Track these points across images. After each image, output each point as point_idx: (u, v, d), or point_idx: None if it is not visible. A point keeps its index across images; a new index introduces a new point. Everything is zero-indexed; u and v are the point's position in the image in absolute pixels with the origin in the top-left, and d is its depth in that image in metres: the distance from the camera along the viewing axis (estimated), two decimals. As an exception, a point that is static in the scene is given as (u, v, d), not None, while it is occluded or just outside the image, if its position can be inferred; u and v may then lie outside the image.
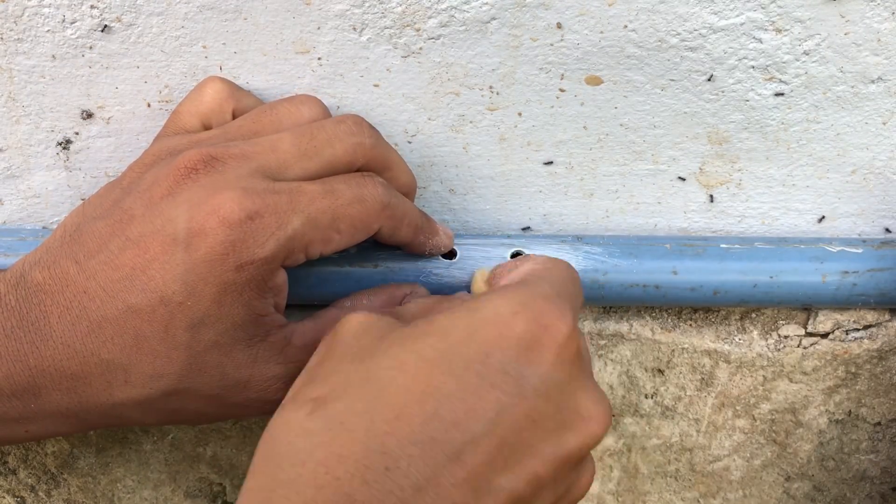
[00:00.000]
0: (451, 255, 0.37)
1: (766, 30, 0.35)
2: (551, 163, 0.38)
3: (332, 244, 0.31)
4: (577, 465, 0.27)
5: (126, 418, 0.32)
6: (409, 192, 0.35)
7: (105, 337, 0.29)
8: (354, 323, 0.28)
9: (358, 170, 0.33)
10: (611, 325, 0.41)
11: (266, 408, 0.31)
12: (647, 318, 0.42)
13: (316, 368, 0.28)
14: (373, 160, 0.33)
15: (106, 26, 0.34)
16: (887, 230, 0.41)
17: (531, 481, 0.25)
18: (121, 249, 0.29)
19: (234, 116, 0.34)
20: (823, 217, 0.40)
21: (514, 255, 0.38)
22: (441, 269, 0.37)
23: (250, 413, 0.32)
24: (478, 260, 0.37)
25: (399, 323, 0.29)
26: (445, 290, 0.37)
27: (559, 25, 0.35)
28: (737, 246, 0.39)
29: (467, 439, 0.24)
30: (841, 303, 0.40)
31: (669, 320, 0.42)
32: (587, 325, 0.41)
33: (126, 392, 0.30)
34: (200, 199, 0.29)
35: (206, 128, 0.34)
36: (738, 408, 0.43)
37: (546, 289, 0.28)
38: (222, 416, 0.34)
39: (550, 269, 0.31)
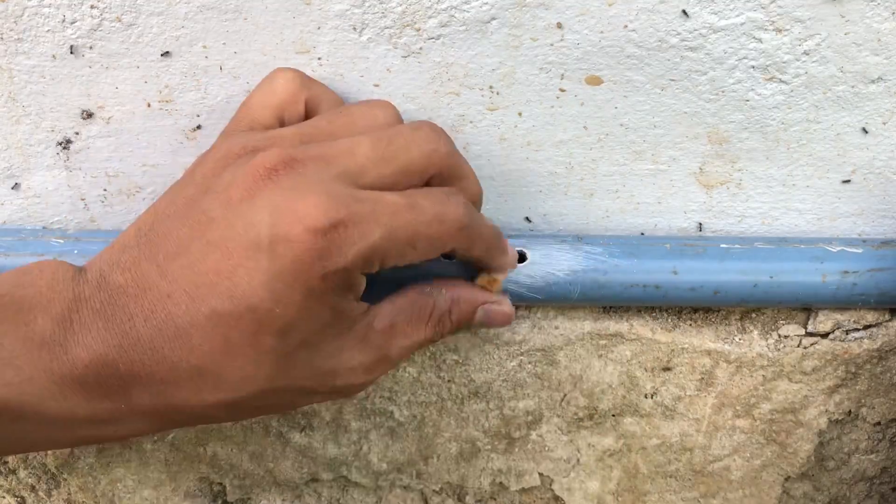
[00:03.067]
0: (451, 255, 0.37)
1: (766, 30, 0.35)
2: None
3: (406, 259, 0.31)
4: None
5: (215, 418, 0.32)
6: (477, 203, 0.35)
7: (193, 343, 0.29)
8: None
9: (431, 178, 0.32)
10: (611, 325, 0.41)
11: (353, 390, 0.33)
12: (647, 317, 0.42)
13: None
14: (447, 168, 0.32)
15: (72, 46, 0.34)
16: None
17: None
18: (203, 254, 0.29)
19: (307, 107, 0.34)
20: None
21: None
22: (441, 269, 0.37)
23: (338, 396, 0.33)
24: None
25: None
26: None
27: (559, 25, 0.35)
28: (737, 246, 0.39)
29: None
30: (841, 303, 0.40)
31: (669, 320, 0.42)
32: (587, 325, 0.41)
33: (216, 395, 0.30)
34: (284, 205, 0.28)
35: (280, 120, 0.34)
36: (738, 408, 0.43)
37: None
38: (312, 402, 0.35)
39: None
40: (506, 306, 0.36)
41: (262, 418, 0.43)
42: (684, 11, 0.34)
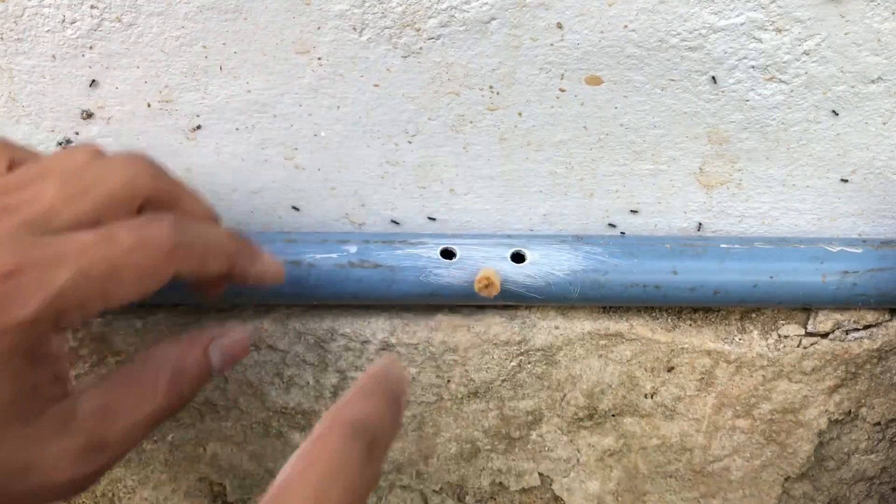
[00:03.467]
0: (450, 255, 0.37)
1: (766, 30, 0.35)
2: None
3: (116, 298, 0.27)
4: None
5: None
6: (210, 221, 0.32)
7: None
8: None
9: (142, 206, 0.29)
10: (611, 325, 0.41)
11: (64, 490, 0.27)
12: (647, 317, 0.42)
13: None
14: (156, 193, 0.29)
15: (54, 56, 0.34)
16: None
17: None
18: None
19: (10, 170, 0.30)
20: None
21: (514, 256, 0.38)
22: (441, 269, 0.37)
23: (47, 500, 0.27)
24: (478, 260, 0.37)
25: None
26: (446, 290, 0.37)
27: (559, 25, 0.35)
28: (737, 246, 0.39)
29: None
30: (841, 303, 0.40)
31: (669, 320, 0.42)
32: (587, 325, 0.41)
33: None
34: None
35: None
36: (738, 408, 0.43)
37: None
38: None
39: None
40: (237, 333, 0.32)
41: (263, 419, 0.43)
42: None
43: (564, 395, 0.43)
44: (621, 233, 0.41)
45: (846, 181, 0.40)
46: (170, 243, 0.27)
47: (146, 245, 0.27)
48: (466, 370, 0.42)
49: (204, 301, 0.33)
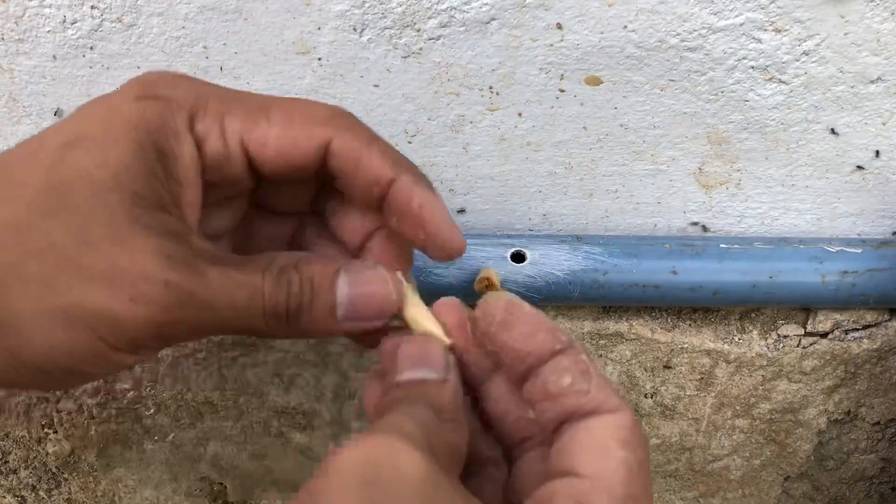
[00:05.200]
0: None
1: (765, 30, 0.35)
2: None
3: (261, 129, 0.25)
4: None
5: None
6: None
7: None
8: (417, 481, 0.20)
9: None
10: (611, 325, 0.41)
11: (129, 297, 0.23)
12: (647, 317, 0.42)
13: None
14: None
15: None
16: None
17: None
18: None
19: None
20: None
21: (514, 256, 0.38)
22: (441, 269, 0.37)
23: (105, 303, 0.23)
24: (478, 260, 0.37)
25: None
26: (445, 291, 0.37)
27: (559, 26, 0.35)
28: (736, 246, 0.39)
29: None
30: (840, 303, 0.40)
31: (669, 320, 0.42)
32: (587, 325, 0.41)
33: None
34: None
35: None
36: (737, 407, 0.43)
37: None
38: (69, 312, 0.23)
39: (647, 480, 0.22)
40: (380, 274, 0.26)
41: (263, 418, 0.43)
42: None
43: (564, 395, 0.43)
44: (698, 224, 0.41)
45: (846, 181, 0.40)
46: (337, 109, 0.27)
47: (306, 100, 0.27)
48: (466, 370, 0.42)
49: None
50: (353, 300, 0.25)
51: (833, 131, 0.37)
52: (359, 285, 0.25)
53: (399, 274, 0.26)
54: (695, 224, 0.41)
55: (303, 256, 0.26)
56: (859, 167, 0.39)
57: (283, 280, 0.25)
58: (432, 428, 0.22)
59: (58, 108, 0.37)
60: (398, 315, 0.26)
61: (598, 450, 0.22)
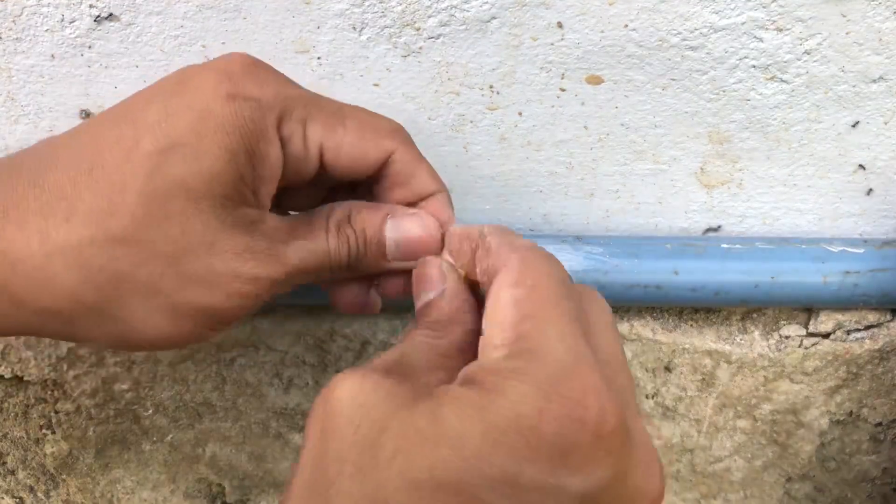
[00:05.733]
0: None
1: (767, 29, 0.35)
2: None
3: (337, 135, 0.28)
4: None
5: (59, 289, 0.25)
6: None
7: (54, 167, 0.25)
8: (347, 399, 0.22)
9: None
10: (611, 326, 0.41)
11: (224, 294, 0.27)
12: (648, 318, 0.42)
13: (313, 473, 0.22)
14: None
15: (101, 16, 0.34)
16: None
17: None
18: (111, 108, 0.27)
19: None
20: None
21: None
22: (441, 270, 0.37)
23: (205, 299, 0.27)
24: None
25: (401, 394, 0.23)
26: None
27: (560, 25, 0.35)
28: (738, 246, 0.39)
29: None
30: (842, 303, 0.40)
31: (670, 320, 0.42)
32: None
33: (64, 233, 0.25)
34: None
35: None
36: (739, 408, 0.43)
37: (560, 351, 0.22)
38: (174, 305, 0.27)
39: (545, 298, 0.24)
40: (421, 220, 0.30)
41: (262, 419, 0.43)
42: None
43: (565, 396, 0.43)
44: (699, 223, 0.40)
45: (848, 181, 0.39)
46: (397, 125, 0.30)
47: (374, 114, 0.30)
48: (466, 371, 0.42)
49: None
50: (400, 244, 0.29)
51: (855, 125, 0.37)
52: (403, 230, 0.29)
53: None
54: (696, 224, 0.41)
55: (354, 205, 0.30)
56: (861, 166, 0.39)
57: (343, 237, 0.29)
58: (410, 348, 0.26)
59: (82, 110, 0.36)
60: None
61: (493, 302, 0.24)
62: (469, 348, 0.26)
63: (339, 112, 0.28)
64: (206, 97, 0.26)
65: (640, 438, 0.23)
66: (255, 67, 0.27)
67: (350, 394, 0.22)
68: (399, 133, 0.30)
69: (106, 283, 0.25)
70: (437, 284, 0.28)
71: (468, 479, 0.20)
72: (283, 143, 0.27)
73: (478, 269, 0.27)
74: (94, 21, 0.34)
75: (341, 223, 0.29)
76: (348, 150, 0.28)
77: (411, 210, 0.30)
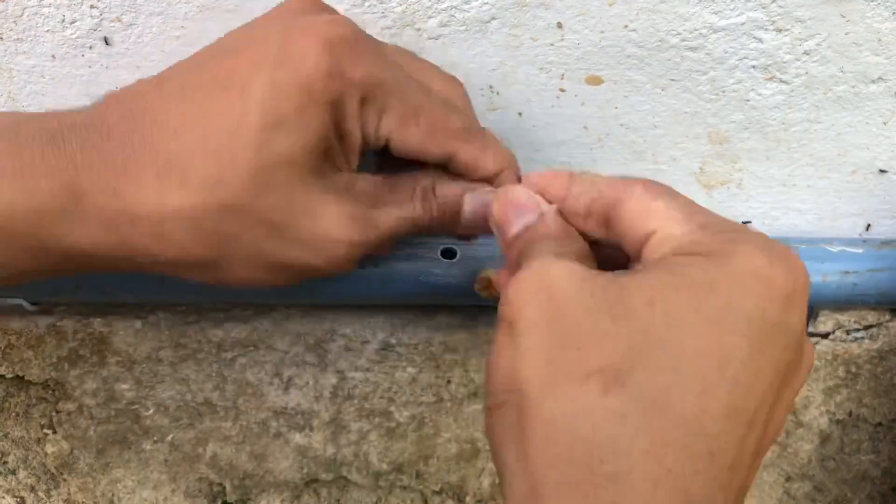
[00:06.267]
0: (451, 254, 0.37)
1: (766, 29, 0.35)
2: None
3: (407, 128, 0.30)
4: None
5: (174, 241, 0.28)
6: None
7: (166, 129, 0.27)
8: (568, 274, 0.25)
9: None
10: (611, 326, 0.41)
11: (323, 253, 0.30)
12: (648, 318, 0.42)
13: (556, 327, 0.24)
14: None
15: (106, 38, 0.34)
16: (868, 226, 0.41)
17: (787, 412, 0.25)
18: (210, 55, 0.29)
19: None
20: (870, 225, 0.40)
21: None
22: (441, 269, 0.37)
23: (305, 258, 0.30)
24: (479, 260, 0.37)
25: (603, 274, 0.26)
26: (444, 291, 0.37)
27: (559, 25, 0.35)
28: (737, 246, 0.39)
29: (758, 402, 0.23)
30: (841, 303, 0.40)
31: (670, 320, 0.42)
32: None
33: (179, 198, 0.27)
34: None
35: None
36: (738, 408, 0.43)
37: (761, 233, 0.27)
38: (276, 263, 0.30)
39: (691, 203, 0.28)
40: (496, 195, 0.32)
41: (262, 419, 0.43)
42: None
43: (565, 396, 0.43)
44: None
45: (848, 181, 0.40)
46: (469, 121, 0.31)
47: (450, 109, 0.31)
48: (466, 370, 0.42)
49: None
50: (474, 216, 0.32)
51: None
52: (479, 205, 0.32)
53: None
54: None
55: (437, 177, 0.32)
56: (882, 171, 0.39)
57: (427, 205, 0.32)
58: (558, 244, 0.28)
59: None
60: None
61: (642, 210, 0.27)
62: (587, 252, 0.29)
63: (416, 109, 0.30)
64: (308, 72, 0.27)
65: None
66: (354, 41, 0.28)
67: (570, 270, 0.25)
68: (468, 133, 0.31)
69: (216, 243, 0.28)
70: (532, 206, 0.30)
71: (732, 316, 0.23)
72: (362, 125, 0.30)
73: (579, 205, 0.29)
74: (105, 44, 0.34)
75: (426, 192, 0.32)
76: (413, 145, 0.30)
77: (488, 188, 0.32)
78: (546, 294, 0.25)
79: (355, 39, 0.28)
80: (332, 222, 0.29)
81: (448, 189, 0.32)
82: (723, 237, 0.25)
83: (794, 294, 0.24)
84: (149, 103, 0.28)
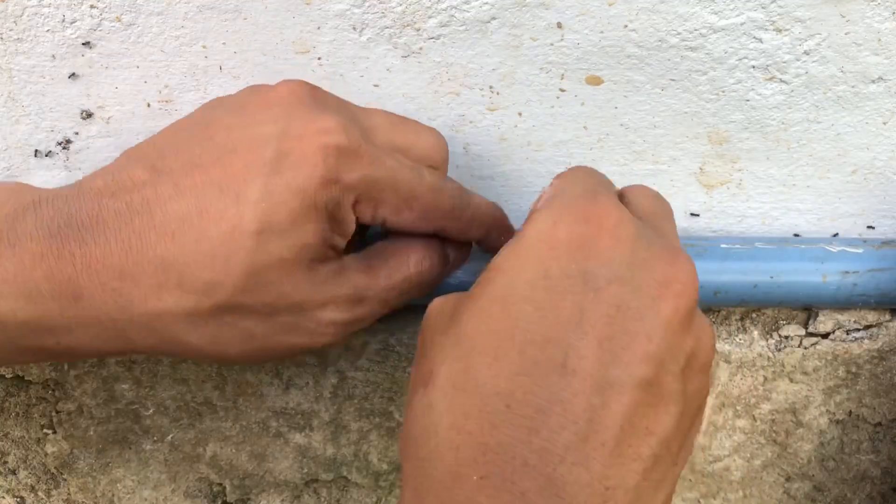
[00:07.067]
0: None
1: (766, 29, 0.35)
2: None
3: (401, 216, 0.32)
4: (686, 327, 0.27)
5: (171, 335, 0.30)
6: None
7: (163, 233, 0.28)
8: (435, 305, 0.29)
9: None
10: (611, 326, 0.41)
11: (314, 337, 0.31)
12: (648, 318, 0.42)
13: (418, 355, 0.29)
14: (446, 163, 0.35)
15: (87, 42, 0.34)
16: (869, 227, 0.41)
17: (645, 360, 0.25)
18: (204, 152, 0.29)
19: None
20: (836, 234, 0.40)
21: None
22: (441, 269, 0.37)
23: (297, 341, 0.31)
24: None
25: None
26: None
27: (559, 25, 0.35)
28: (737, 246, 0.39)
29: (566, 348, 0.25)
30: (841, 303, 0.40)
31: (670, 320, 0.42)
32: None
33: (176, 299, 0.29)
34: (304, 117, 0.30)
35: None
36: (738, 408, 0.43)
37: (575, 189, 0.29)
38: (268, 346, 0.32)
39: (571, 174, 0.31)
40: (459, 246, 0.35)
41: (262, 418, 0.43)
42: None
43: (564, 396, 0.43)
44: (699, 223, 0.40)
45: (848, 181, 0.40)
46: (457, 199, 0.33)
47: (440, 191, 0.32)
48: (466, 370, 0.42)
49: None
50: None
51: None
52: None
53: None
54: (695, 215, 0.41)
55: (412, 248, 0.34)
56: (860, 167, 0.39)
57: (411, 274, 0.34)
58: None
59: (83, 111, 0.36)
60: None
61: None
62: None
63: (410, 196, 0.31)
64: (303, 179, 0.29)
65: (658, 236, 0.28)
66: (348, 148, 0.29)
67: (436, 303, 0.30)
68: (456, 210, 0.33)
69: (209, 333, 0.30)
70: None
71: (515, 287, 0.26)
72: (357, 215, 0.31)
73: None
74: (105, 45, 0.34)
75: (419, 255, 0.34)
76: (406, 226, 0.32)
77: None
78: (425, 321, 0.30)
79: (349, 146, 0.29)
80: (324, 310, 0.31)
81: (432, 248, 0.34)
82: (537, 208, 0.29)
83: (586, 241, 0.26)
84: (145, 200, 0.29)
